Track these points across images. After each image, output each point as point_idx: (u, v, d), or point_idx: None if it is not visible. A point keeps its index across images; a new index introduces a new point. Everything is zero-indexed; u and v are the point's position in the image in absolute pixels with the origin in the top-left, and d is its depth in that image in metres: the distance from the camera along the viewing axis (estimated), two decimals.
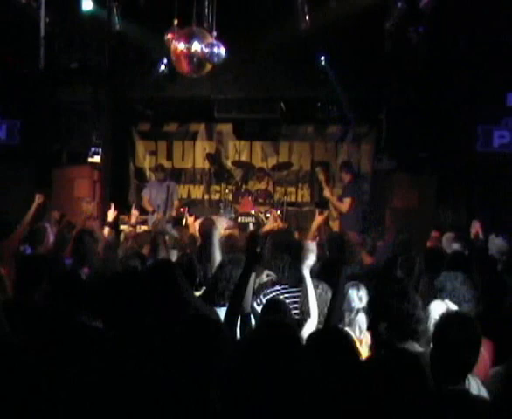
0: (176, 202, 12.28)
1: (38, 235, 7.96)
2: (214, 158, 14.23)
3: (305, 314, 5.14)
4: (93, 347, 3.90)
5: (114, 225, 9.42)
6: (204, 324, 3.47)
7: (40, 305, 4.73)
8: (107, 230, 8.34)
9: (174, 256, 7.15)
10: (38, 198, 8.53)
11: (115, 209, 9.27)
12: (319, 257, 5.77)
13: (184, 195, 14.57)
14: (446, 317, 3.92)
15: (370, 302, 4.71)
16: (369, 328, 4.43)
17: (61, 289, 4.67)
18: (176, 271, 4.86)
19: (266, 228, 9.71)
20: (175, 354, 3.31)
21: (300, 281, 5.32)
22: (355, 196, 11.85)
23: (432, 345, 3.85)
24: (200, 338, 3.32)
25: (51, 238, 8.09)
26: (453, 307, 4.69)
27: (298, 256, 5.40)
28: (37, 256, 6.06)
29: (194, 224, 8.56)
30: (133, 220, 10.19)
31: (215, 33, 9.13)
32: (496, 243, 7.80)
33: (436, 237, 9.05)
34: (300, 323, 5.09)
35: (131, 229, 10.67)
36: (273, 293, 5.46)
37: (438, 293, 5.11)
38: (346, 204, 11.67)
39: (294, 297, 5.41)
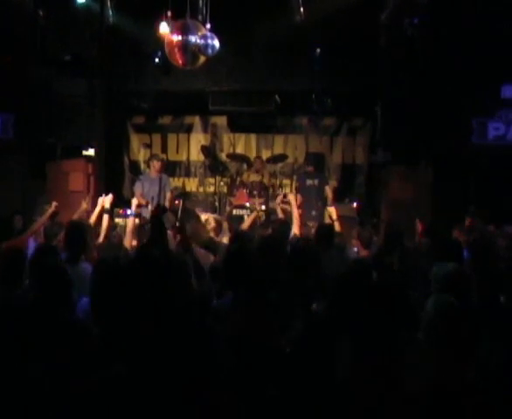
0: (168, 195, 12.22)
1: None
2: (209, 151, 14.18)
3: None
4: (81, 346, 3.87)
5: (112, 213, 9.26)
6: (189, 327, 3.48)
7: (22, 301, 4.67)
8: (106, 218, 8.07)
9: None
10: (55, 206, 8.28)
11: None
12: None
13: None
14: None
15: None
16: None
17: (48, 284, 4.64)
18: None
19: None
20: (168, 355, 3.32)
21: None
22: (300, 190, 12.16)
23: None
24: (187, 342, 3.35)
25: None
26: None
27: None
28: (15, 250, 5.96)
29: None
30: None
31: (209, 25, 9.09)
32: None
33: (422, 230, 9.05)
34: None
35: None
36: None
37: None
38: (298, 200, 12.00)
39: None
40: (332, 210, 8.99)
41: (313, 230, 9.66)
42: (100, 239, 7.44)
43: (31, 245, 7.79)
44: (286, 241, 7.00)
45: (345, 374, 3.57)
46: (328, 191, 12.23)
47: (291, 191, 13.70)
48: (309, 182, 12.15)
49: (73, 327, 4.05)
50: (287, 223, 8.49)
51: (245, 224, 9.47)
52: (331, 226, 8.26)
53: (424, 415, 3.53)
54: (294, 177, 13.95)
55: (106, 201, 8.24)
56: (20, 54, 11.43)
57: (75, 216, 8.74)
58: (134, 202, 8.67)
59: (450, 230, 8.56)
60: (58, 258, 5.56)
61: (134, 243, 7.65)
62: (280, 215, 9.75)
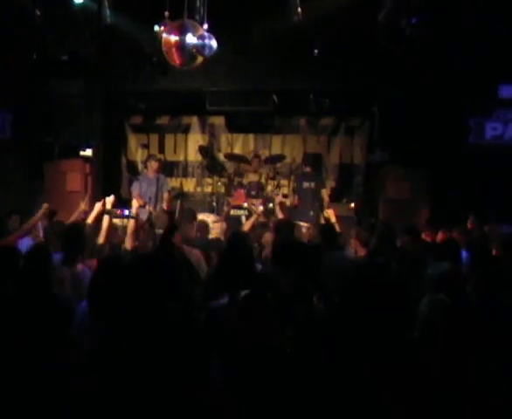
0: (165, 195, 12.20)
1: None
2: (206, 151, 14.17)
3: None
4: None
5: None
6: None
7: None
8: (106, 219, 8.01)
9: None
10: (45, 208, 8.26)
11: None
12: None
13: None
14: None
15: None
16: None
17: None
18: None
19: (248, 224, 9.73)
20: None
21: None
22: (297, 192, 12.32)
23: None
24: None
25: (41, 233, 8.02)
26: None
27: None
28: (8, 248, 5.95)
29: None
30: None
31: (206, 25, 9.08)
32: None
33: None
34: None
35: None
36: None
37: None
38: (294, 200, 12.24)
39: None
40: (330, 212, 9.02)
41: (310, 231, 9.67)
42: (101, 240, 7.42)
43: (26, 244, 7.77)
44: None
45: (345, 374, 3.57)
46: (325, 194, 12.28)
47: (289, 192, 13.74)
48: (306, 184, 12.16)
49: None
50: (290, 222, 8.50)
51: (245, 228, 9.46)
52: (333, 226, 8.29)
53: (425, 414, 3.54)
54: (292, 177, 13.96)
55: (107, 202, 8.20)
56: (18, 53, 11.43)
57: (73, 217, 8.73)
58: (135, 204, 8.63)
59: (448, 230, 8.58)
60: (49, 258, 5.54)
61: (135, 243, 7.65)
62: (280, 215, 9.80)
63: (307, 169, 12.55)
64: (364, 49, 11.80)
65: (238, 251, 5.82)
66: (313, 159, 13.23)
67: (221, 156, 14.45)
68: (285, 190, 13.96)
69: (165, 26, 9.22)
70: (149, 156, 12.99)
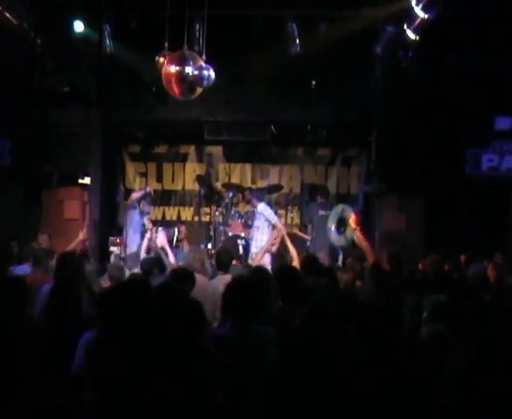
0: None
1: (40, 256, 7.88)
2: (204, 180, 14.21)
3: None
4: None
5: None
6: None
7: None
8: None
9: None
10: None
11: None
12: None
13: (174, 217, 14.57)
14: None
15: None
16: None
17: None
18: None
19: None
20: None
21: None
22: (310, 220, 12.40)
23: None
24: None
25: None
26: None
27: None
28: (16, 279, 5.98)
29: None
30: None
31: (204, 57, 9.16)
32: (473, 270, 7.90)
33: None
34: None
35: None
36: None
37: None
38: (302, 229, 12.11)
39: None
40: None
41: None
42: None
43: (22, 270, 7.81)
44: None
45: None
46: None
47: (286, 221, 13.80)
48: (322, 212, 12.15)
49: None
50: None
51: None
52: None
53: None
54: (289, 207, 14.04)
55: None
56: (18, 82, 11.49)
57: (71, 246, 8.76)
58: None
59: (443, 260, 8.61)
60: None
61: None
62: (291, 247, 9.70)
63: (322, 200, 12.53)
64: (361, 80, 11.90)
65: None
66: (321, 190, 13.25)
67: (218, 186, 14.49)
68: (282, 220, 13.99)
69: (165, 57, 9.29)
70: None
